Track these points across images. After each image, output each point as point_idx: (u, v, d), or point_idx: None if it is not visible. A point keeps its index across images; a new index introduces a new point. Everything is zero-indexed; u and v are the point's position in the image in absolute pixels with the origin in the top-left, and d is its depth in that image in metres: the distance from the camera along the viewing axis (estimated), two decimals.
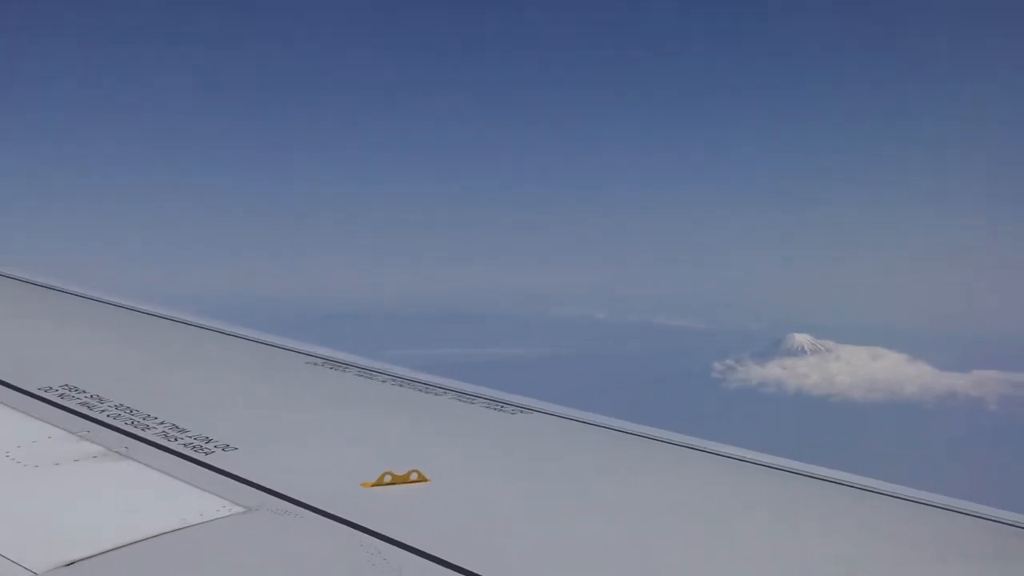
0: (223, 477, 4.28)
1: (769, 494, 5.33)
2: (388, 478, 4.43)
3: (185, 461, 4.48)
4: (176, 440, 4.79)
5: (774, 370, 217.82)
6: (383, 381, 6.98)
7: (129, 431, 4.87)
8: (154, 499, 4.03)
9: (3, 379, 5.58)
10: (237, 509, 3.92)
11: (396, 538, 3.75)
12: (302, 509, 3.98)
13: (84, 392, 5.49)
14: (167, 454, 4.57)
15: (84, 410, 5.16)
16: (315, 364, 7.35)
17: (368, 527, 3.84)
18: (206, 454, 4.61)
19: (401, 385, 6.88)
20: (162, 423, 5.05)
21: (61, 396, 5.37)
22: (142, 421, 5.06)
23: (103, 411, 5.17)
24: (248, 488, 4.17)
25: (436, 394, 6.73)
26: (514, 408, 6.55)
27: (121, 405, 5.33)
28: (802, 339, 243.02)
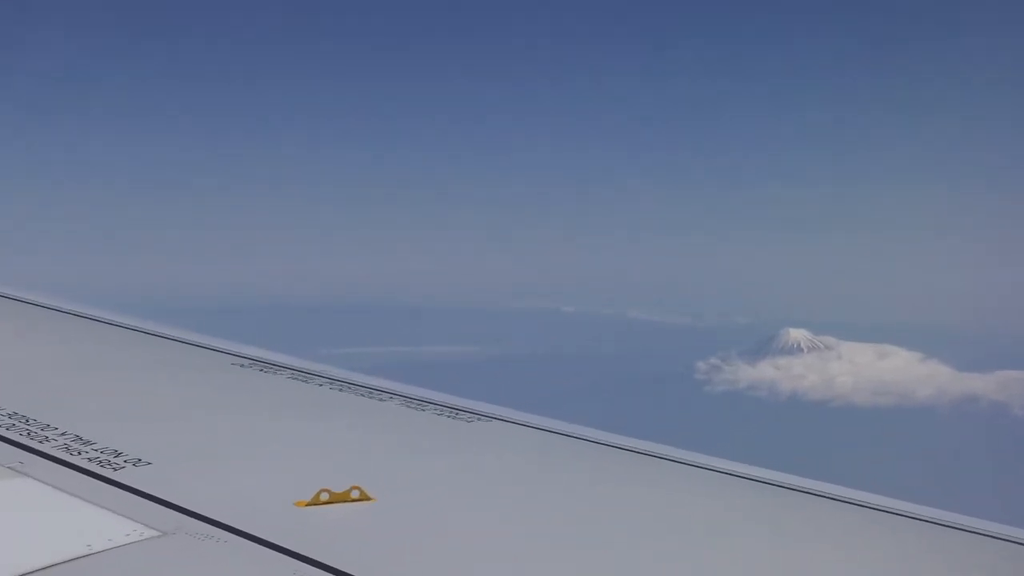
0: (134, 496, 4.26)
1: (760, 512, 5.37)
2: (325, 496, 4.43)
3: (90, 478, 4.45)
4: (79, 454, 4.76)
5: (766, 371, 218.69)
6: (320, 384, 6.98)
7: (24, 444, 4.84)
8: (54, 522, 3.99)
9: None
10: (151, 533, 3.91)
11: (334, 565, 3.74)
12: (226, 532, 3.97)
13: None
14: (69, 470, 4.54)
15: None
16: (242, 366, 7.34)
17: (302, 553, 3.83)
18: (114, 470, 4.58)
19: (341, 389, 6.88)
20: (63, 434, 5.02)
21: None
22: (39, 432, 5.03)
23: None
24: (163, 509, 4.16)
25: (381, 399, 6.73)
26: (470, 415, 6.57)
27: (15, 414, 5.29)
28: (798, 335, 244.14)
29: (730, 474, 5.95)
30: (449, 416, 6.48)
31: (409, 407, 6.60)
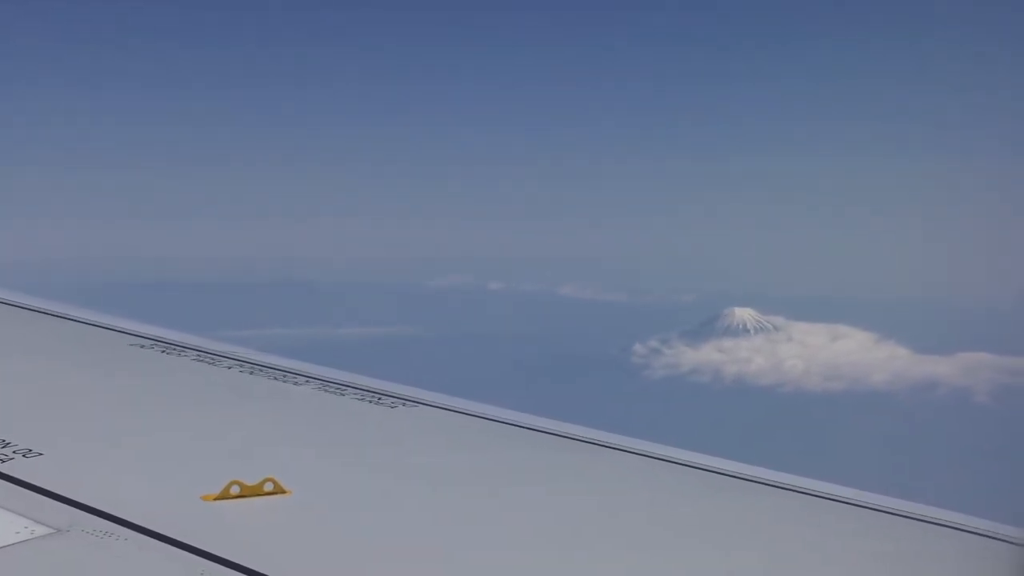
0: (25, 491, 4.24)
1: (704, 501, 5.44)
2: (236, 489, 4.42)
3: None
4: None
5: (709, 353, 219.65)
6: (228, 367, 6.96)
7: None
8: None
9: None
10: (43, 530, 3.89)
11: (245, 564, 3.74)
12: (126, 529, 3.96)
13: None
14: None
15: None
16: (142, 346, 7.30)
17: (210, 551, 3.83)
18: (2, 462, 4.56)
19: (252, 372, 6.87)
20: None
21: None
22: None
23: None
24: (57, 504, 4.14)
25: (295, 383, 6.73)
26: (394, 400, 6.58)
27: None
28: (744, 314, 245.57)
29: (673, 461, 6.00)
30: (371, 401, 6.48)
31: (327, 391, 6.60)
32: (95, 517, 4.02)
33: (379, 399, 6.56)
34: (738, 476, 5.86)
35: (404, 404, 6.52)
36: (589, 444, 6.18)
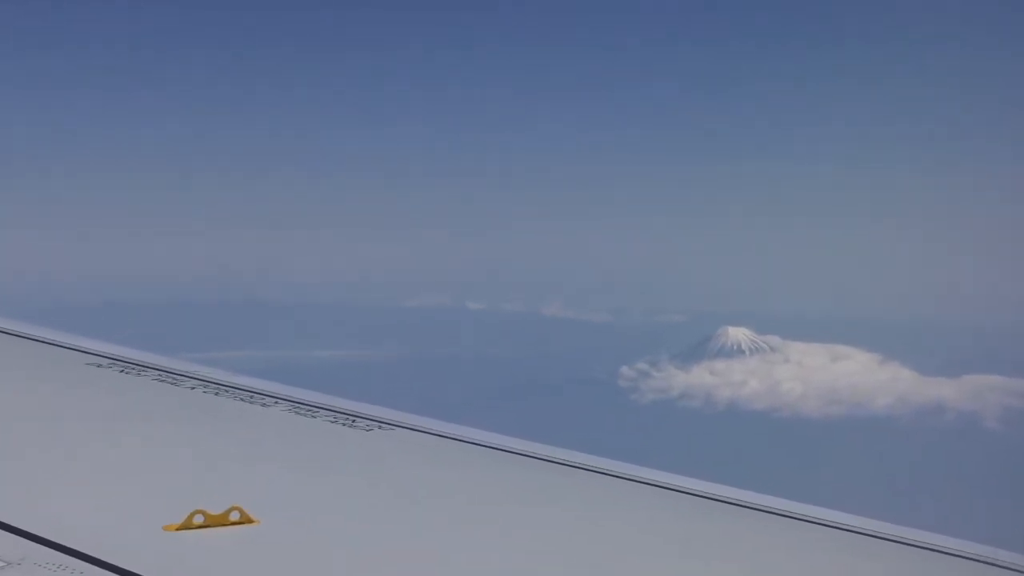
0: None
1: (692, 525, 5.45)
2: (199, 519, 4.40)
3: None
4: None
5: (701, 376, 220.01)
6: (192, 387, 6.95)
7: None
8: None
9: None
10: None
11: None
12: (82, 562, 3.93)
13: None
14: None
15: None
16: (100, 365, 7.28)
17: None
18: None
19: (217, 393, 6.85)
20: None
21: None
22: None
23: None
24: (7, 535, 4.11)
25: (264, 404, 6.72)
26: (369, 422, 6.57)
27: None
28: (738, 334, 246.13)
29: (663, 487, 6.00)
30: (345, 424, 6.47)
31: (298, 413, 6.59)
32: (48, 549, 3.99)
33: (353, 421, 6.54)
34: (729, 501, 5.86)
35: (380, 427, 6.51)
36: (575, 468, 6.18)
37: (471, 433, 6.70)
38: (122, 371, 7.19)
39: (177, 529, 4.31)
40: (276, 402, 6.81)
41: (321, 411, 6.71)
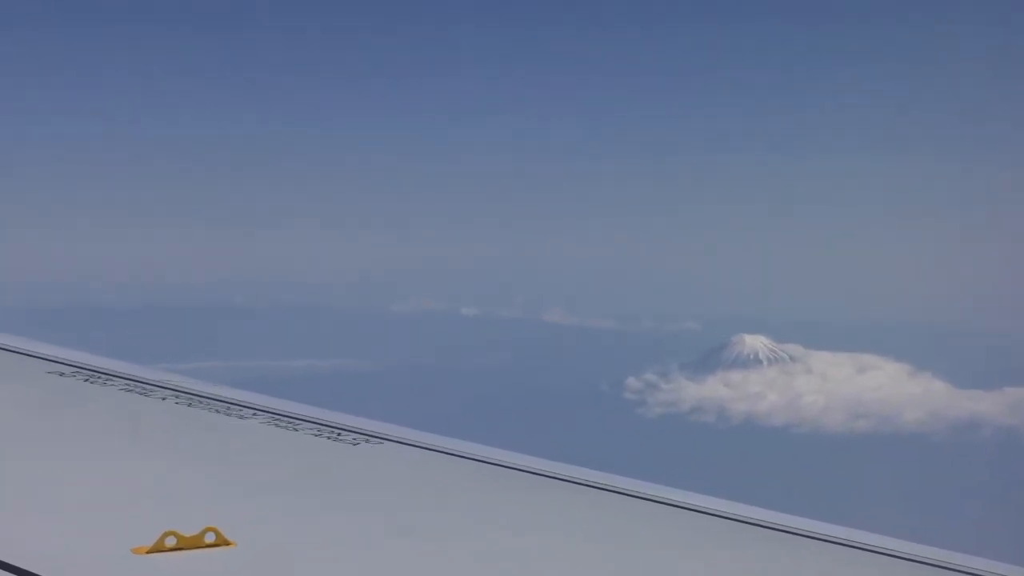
0: None
1: (706, 546, 5.46)
2: (172, 541, 4.38)
3: None
4: None
5: (714, 388, 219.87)
6: (163, 398, 6.95)
7: None
8: None
9: None
10: None
11: None
12: None
13: None
14: None
15: None
16: (62, 374, 7.28)
17: None
18: None
19: (190, 404, 6.86)
20: None
21: None
22: None
23: None
24: None
25: (241, 416, 6.72)
26: (356, 435, 6.56)
27: None
28: (755, 343, 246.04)
29: (673, 504, 6.01)
30: (329, 437, 6.47)
31: (278, 425, 6.59)
32: (7, 574, 3.99)
33: (339, 435, 6.54)
34: (743, 520, 5.87)
35: (368, 440, 6.51)
36: (580, 485, 6.18)
37: (467, 447, 6.69)
38: (87, 380, 7.19)
39: (147, 552, 4.29)
40: (255, 414, 6.81)
41: (303, 423, 6.70)
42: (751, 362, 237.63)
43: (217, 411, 6.76)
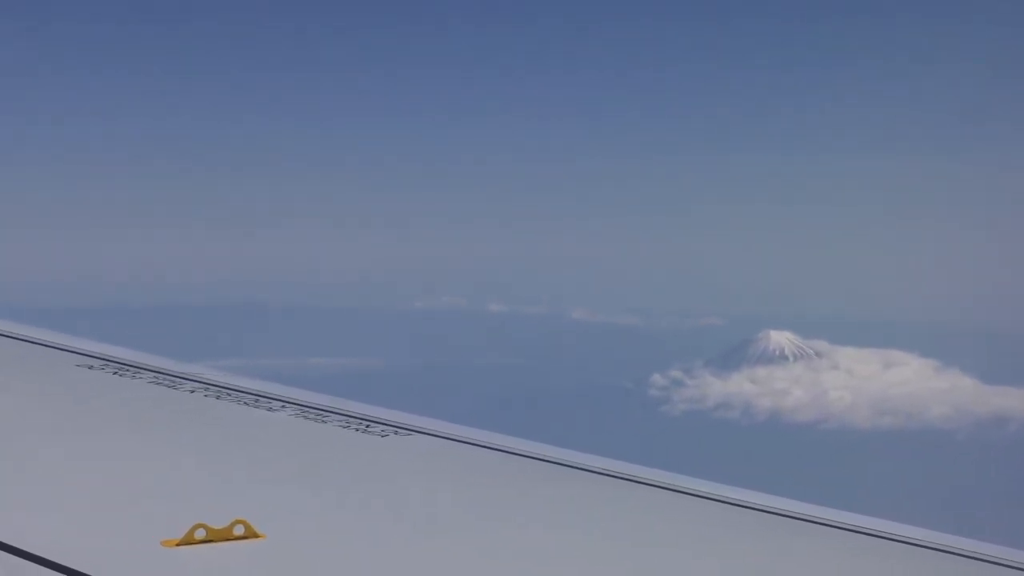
0: None
1: (738, 537, 5.44)
2: (201, 533, 4.37)
3: None
4: None
5: (740, 384, 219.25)
6: (191, 391, 6.94)
7: None
8: None
9: None
10: None
11: None
12: None
13: None
14: None
15: None
16: (91, 367, 7.29)
17: None
18: None
19: (219, 396, 6.85)
20: None
21: None
22: None
23: None
24: None
25: (271, 408, 6.71)
26: (385, 427, 6.54)
27: None
28: (781, 339, 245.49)
29: (702, 496, 5.99)
30: (358, 429, 6.46)
31: (306, 418, 6.57)
32: (38, 566, 3.99)
33: (367, 426, 6.52)
34: (778, 512, 5.85)
35: (396, 432, 6.49)
36: (609, 477, 6.16)
37: (497, 439, 6.65)
38: (115, 373, 7.20)
39: (177, 545, 4.28)
40: (283, 406, 6.80)
41: (332, 415, 6.69)
42: (777, 358, 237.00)
43: (246, 403, 6.75)
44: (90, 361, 7.43)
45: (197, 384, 7.11)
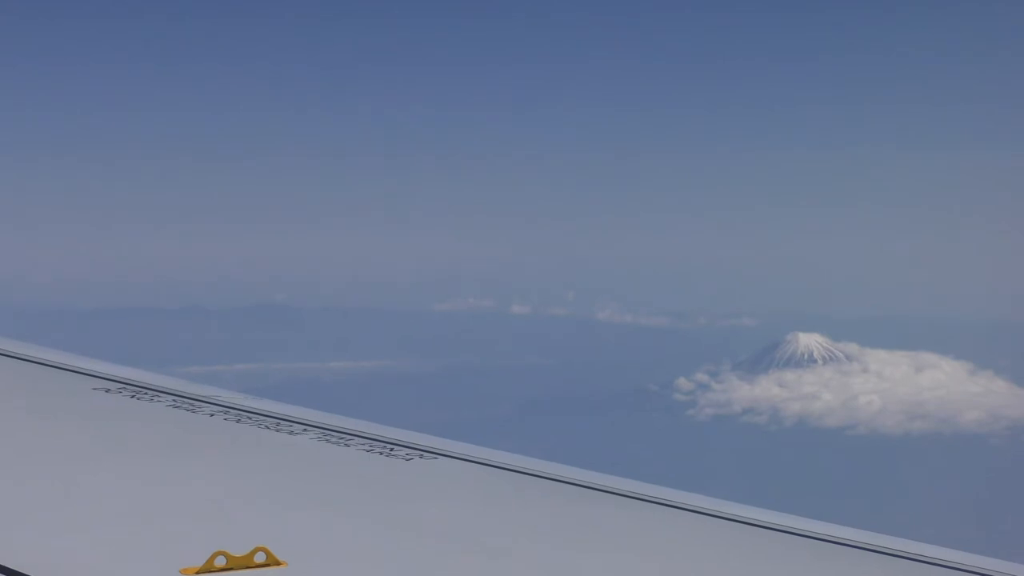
0: None
1: (766, 561, 5.43)
2: (222, 561, 4.38)
3: None
4: None
5: (767, 388, 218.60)
6: (211, 414, 6.95)
7: None
8: None
9: None
10: None
11: None
12: None
13: None
14: None
15: None
16: (107, 390, 7.29)
17: None
18: None
19: (239, 419, 6.85)
20: None
21: None
22: None
23: None
24: None
25: (293, 432, 6.71)
26: (409, 450, 6.54)
27: None
28: (810, 341, 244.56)
29: (738, 520, 5.97)
30: (382, 452, 6.45)
31: (329, 441, 6.57)
32: None
33: (392, 450, 6.52)
34: (804, 534, 5.84)
35: (422, 456, 6.48)
36: (637, 500, 6.14)
37: (524, 462, 6.62)
38: (133, 396, 7.21)
39: (197, 573, 4.29)
40: (305, 429, 6.79)
41: (355, 438, 6.68)
42: (805, 361, 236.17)
43: (267, 427, 6.75)
44: (107, 384, 7.44)
45: (216, 407, 7.12)
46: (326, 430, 6.80)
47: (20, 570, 4.15)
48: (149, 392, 7.33)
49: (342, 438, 6.65)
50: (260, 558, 4.40)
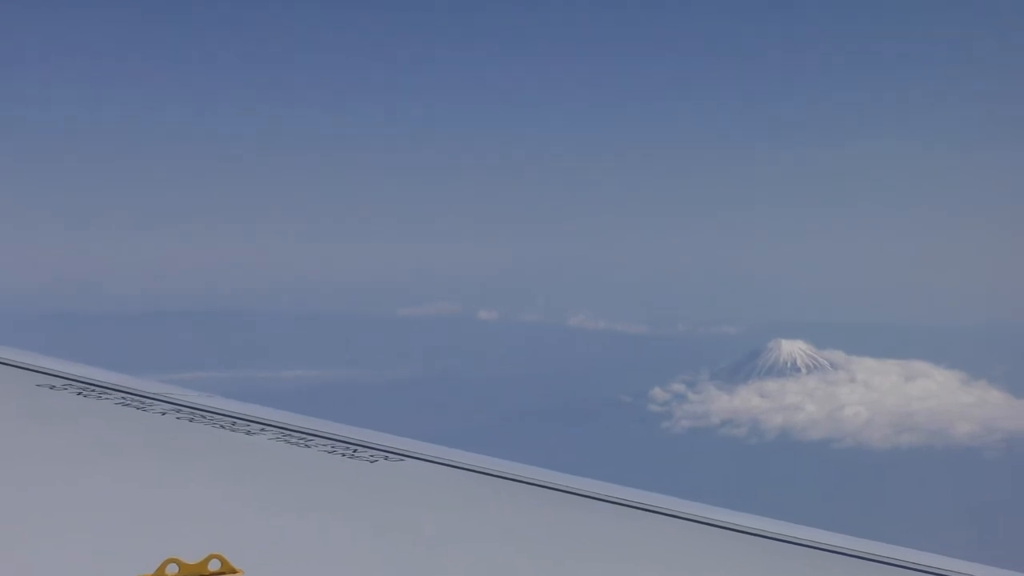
0: None
1: (753, 566, 5.46)
2: (174, 569, 4.37)
3: None
4: None
5: (747, 399, 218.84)
6: (163, 412, 6.92)
7: None
8: None
9: None
10: None
11: None
12: None
13: None
14: None
15: None
16: (52, 387, 7.27)
17: None
18: None
19: (192, 419, 6.82)
20: None
21: None
22: None
23: None
24: None
25: (249, 432, 6.69)
26: (374, 452, 6.52)
27: None
28: (793, 348, 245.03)
29: (717, 525, 6.00)
30: (344, 454, 6.43)
31: (288, 442, 6.54)
32: None
33: (354, 451, 6.50)
34: (786, 539, 5.87)
35: (386, 457, 6.47)
36: (600, 501, 6.16)
37: (491, 463, 6.61)
38: (79, 393, 7.17)
39: None
40: (262, 429, 6.76)
41: (316, 439, 6.65)
42: (788, 370, 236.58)
43: (221, 426, 6.73)
44: (52, 380, 7.41)
45: (168, 405, 7.08)
46: (285, 430, 6.76)
47: None
48: (97, 389, 7.28)
49: (302, 438, 6.62)
50: (215, 566, 4.38)
